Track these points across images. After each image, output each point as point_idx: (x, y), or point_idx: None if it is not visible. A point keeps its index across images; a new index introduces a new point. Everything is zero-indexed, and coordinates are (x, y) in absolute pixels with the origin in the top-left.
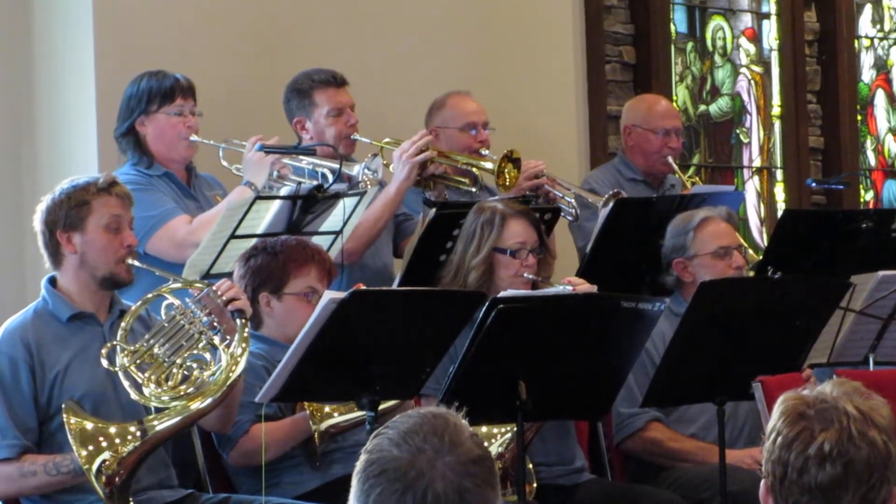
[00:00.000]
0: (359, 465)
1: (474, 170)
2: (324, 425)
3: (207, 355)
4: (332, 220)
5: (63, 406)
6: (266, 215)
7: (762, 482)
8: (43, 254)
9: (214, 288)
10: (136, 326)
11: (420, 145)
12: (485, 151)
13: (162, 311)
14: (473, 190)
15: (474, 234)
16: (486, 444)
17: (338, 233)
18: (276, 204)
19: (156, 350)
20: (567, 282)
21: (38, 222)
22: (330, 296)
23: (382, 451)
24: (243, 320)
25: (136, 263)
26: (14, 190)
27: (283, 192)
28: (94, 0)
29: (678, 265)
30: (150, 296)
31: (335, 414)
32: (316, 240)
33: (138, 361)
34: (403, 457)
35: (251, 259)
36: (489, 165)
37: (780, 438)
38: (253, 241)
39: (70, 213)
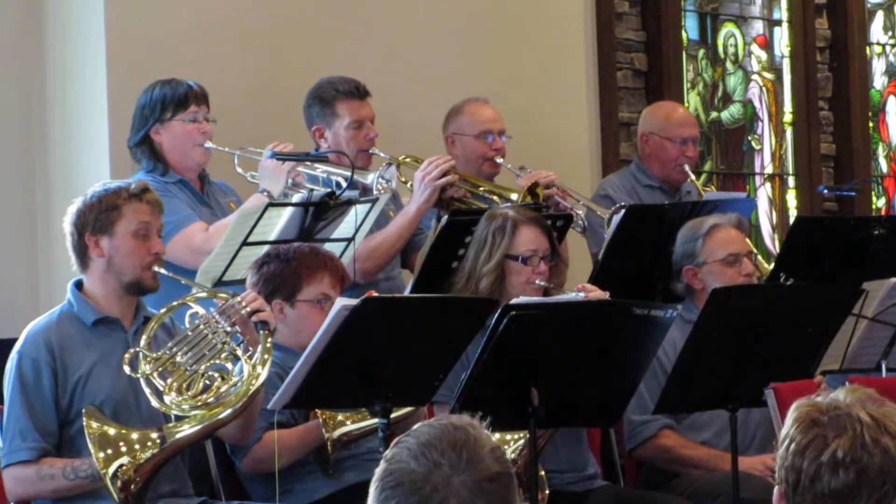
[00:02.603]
0: (377, 472)
1: (495, 198)
2: (336, 433)
3: (229, 365)
4: (345, 226)
5: (84, 410)
6: (278, 222)
7: (775, 489)
8: (71, 255)
9: (239, 298)
10: (160, 334)
11: (443, 168)
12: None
13: (186, 319)
14: (487, 207)
15: (486, 241)
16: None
17: (350, 239)
18: (288, 211)
19: (178, 358)
20: (580, 288)
21: (67, 224)
22: (342, 303)
23: (400, 462)
24: (266, 332)
25: (163, 271)
26: (27, 199)
27: (296, 199)
28: (106, 9)
29: (688, 272)
30: (174, 304)
31: (348, 422)
32: (328, 246)
33: (160, 369)
34: (420, 471)
35: (264, 266)
36: (514, 197)
37: (793, 445)
38: (265, 247)
39: (100, 216)
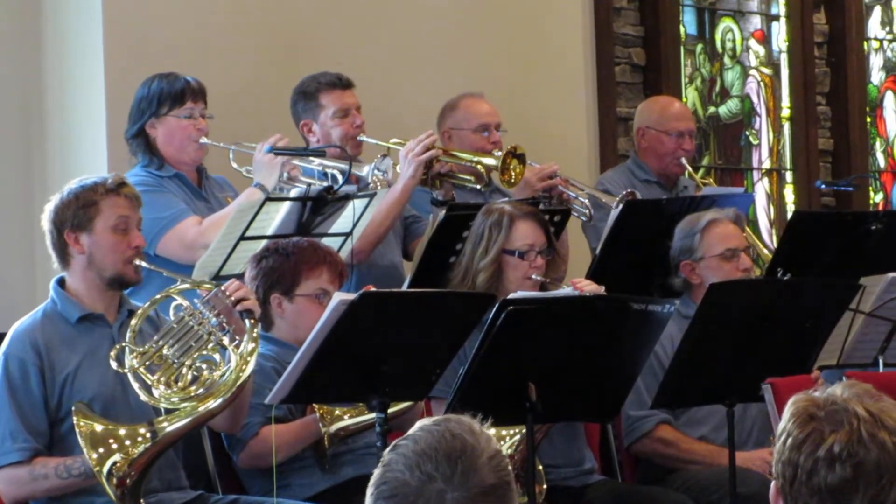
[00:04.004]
0: (374, 476)
1: (479, 167)
2: (333, 428)
3: (217, 356)
4: (342, 221)
5: (73, 408)
6: (276, 217)
7: (772, 483)
8: (51, 254)
9: (223, 288)
10: (145, 327)
11: (426, 144)
12: (497, 153)
13: (170, 312)
14: (479, 187)
15: (482, 236)
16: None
17: (348, 234)
18: (286, 205)
19: (165, 351)
20: (572, 283)
21: (46, 222)
22: (339, 297)
23: (395, 472)
24: (252, 320)
25: (144, 264)
26: (24, 191)
27: (293, 193)
28: (104, 4)
29: (685, 267)
30: (158, 297)
31: (345, 416)
32: (326, 241)
33: (147, 363)
34: (413, 484)
35: (263, 260)
36: (493, 162)
37: (790, 440)
38: (263, 242)
39: (78, 213)
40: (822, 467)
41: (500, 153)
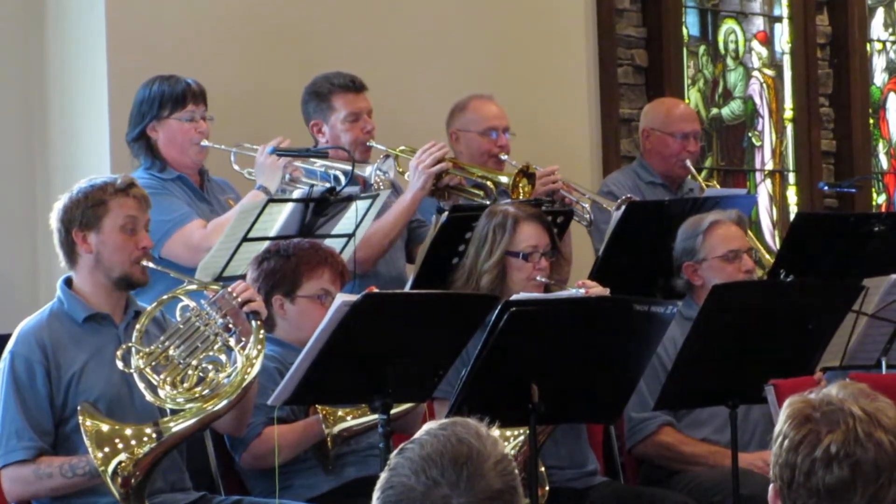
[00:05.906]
0: (380, 480)
1: (489, 183)
2: (336, 429)
3: (223, 357)
4: (345, 222)
5: (78, 408)
6: (278, 218)
7: (771, 486)
8: (58, 252)
9: (230, 289)
10: (151, 328)
11: (437, 156)
12: (504, 157)
13: (177, 312)
14: (488, 203)
15: (486, 238)
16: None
17: (350, 235)
18: (289, 206)
19: (171, 352)
20: (580, 284)
21: (54, 220)
22: (342, 298)
23: (401, 476)
24: (258, 322)
25: (151, 265)
26: (27, 192)
27: (296, 195)
28: (107, 4)
29: (688, 269)
30: (165, 297)
31: (348, 417)
32: (329, 242)
33: (153, 363)
34: (418, 489)
35: (264, 262)
36: (504, 179)
37: (786, 442)
38: (265, 243)
39: (87, 212)
40: (820, 468)
41: (506, 158)
